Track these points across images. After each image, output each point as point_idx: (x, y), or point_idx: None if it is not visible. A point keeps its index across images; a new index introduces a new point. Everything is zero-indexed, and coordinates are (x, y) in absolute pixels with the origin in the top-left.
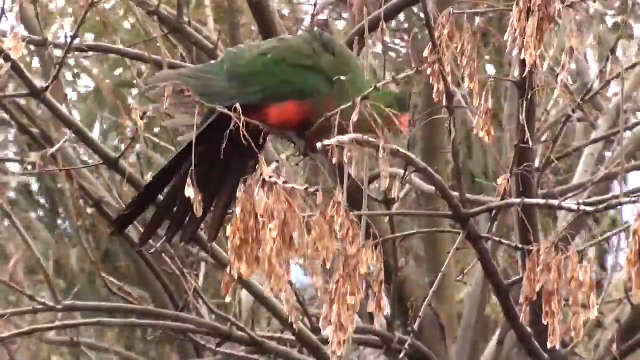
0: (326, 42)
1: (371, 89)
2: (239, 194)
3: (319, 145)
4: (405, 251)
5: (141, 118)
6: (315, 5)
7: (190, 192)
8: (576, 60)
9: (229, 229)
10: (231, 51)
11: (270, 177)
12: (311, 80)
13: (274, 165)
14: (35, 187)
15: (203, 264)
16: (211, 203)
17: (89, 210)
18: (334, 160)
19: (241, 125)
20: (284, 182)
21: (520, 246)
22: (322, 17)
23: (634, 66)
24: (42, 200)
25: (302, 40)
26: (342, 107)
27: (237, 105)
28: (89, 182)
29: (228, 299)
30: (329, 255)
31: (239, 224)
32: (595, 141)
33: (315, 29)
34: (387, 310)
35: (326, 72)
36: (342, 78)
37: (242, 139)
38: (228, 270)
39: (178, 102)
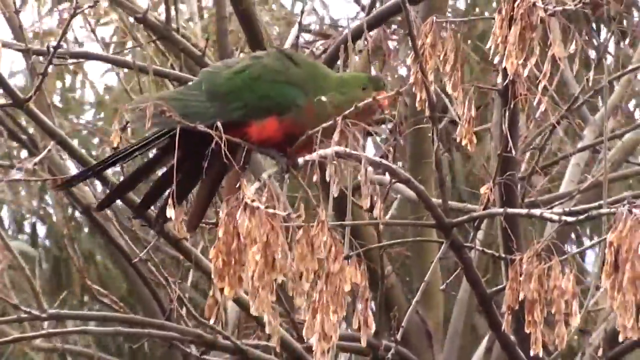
0: (290, 56)
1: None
2: (221, 214)
3: (300, 160)
4: (391, 259)
5: (123, 129)
6: (302, 13)
7: (171, 212)
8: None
9: (211, 251)
10: (207, 71)
11: (253, 201)
12: (288, 93)
13: (255, 184)
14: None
15: (191, 272)
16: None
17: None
18: (315, 177)
19: (222, 143)
20: (266, 207)
21: (502, 255)
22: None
23: (618, 77)
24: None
25: (273, 58)
26: (323, 125)
27: (218, 123)
28: (78, 189)
29: (212, 321)
30: (310, 275)
31: (222, 246)
32: (580, 150)
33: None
34: (373, 328)
35: (298, 83)
36: (322, 99)
37: (224, 156)
38: (211, 292)
39: (159, 121)
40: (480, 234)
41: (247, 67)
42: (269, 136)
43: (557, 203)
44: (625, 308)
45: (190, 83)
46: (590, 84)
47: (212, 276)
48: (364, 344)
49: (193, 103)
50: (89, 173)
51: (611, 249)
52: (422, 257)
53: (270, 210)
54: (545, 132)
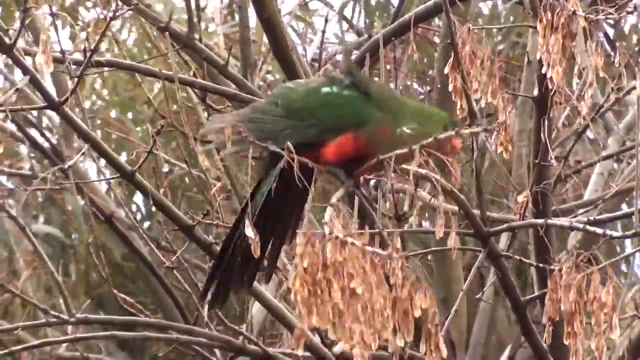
0: (367, 79)
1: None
2: (300, 245)
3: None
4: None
5: (157, 133)
6: (326, 20)
7: (249, 232)
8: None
9: (291, 281)
10: (285, 86)
11: (346, 235)
12: (364, 109)
13: (329, 210)
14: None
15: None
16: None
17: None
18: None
19: (295, 165)
20: (362, 243)
21: (541, 265)
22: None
23: None
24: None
25: (357, 76)
26: (398, 151)
27: (289, 144)
28: (100, 197)
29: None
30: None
31: (307, 277)
32: (606, 158)
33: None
34: (445, 354)
35: (374, 102)
36: (406, 129)
37: (296, 179)
38: (298, 324)
39: (239, 147)
40: (502, 242)
41: (323, 84)
42: (344, 152)
43: (582, 212)
44: None
45: (264, 99)
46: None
47: (298, 307)
48: None
49: (267, 125)
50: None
51: None
52: (446, 266)
53: (370, 249)
54: (571, 141)
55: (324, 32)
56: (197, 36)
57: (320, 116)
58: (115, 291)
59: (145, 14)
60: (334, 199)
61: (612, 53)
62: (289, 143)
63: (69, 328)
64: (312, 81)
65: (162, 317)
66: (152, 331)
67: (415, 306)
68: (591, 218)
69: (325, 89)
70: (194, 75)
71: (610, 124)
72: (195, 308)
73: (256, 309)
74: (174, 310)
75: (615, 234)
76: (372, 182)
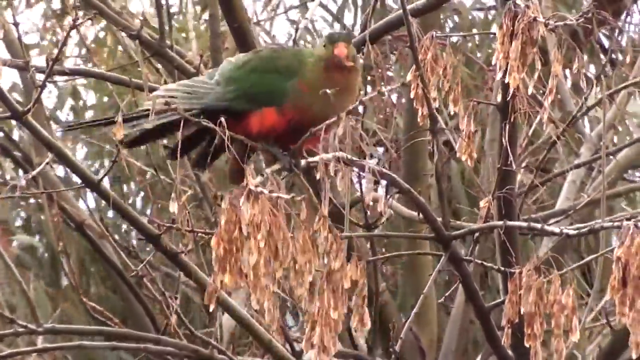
0: (282, 46)
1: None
2: (222, 204)
3: (302, 162)
4: (385, 275)
5: (121, 142)
6: (296, 29)
7: (174, 207)
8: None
9: (212, 240)
10: (228, 59)
11: (256, 186)
12: (276, 81)
13: (259, 178)
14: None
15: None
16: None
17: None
18: (317, 177)
19: (226, 138)
20: (270, 192)
21: (502, 269)
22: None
23: (615, 92)
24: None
25: (266, 50)
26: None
27: (222, 119)
28: (71, 205)
29: (212, 308)
30: (312, 268)
31: (223, 234)
32: (577, 166)
33: None
34: (369, 326)
35: (286, 67)
36: (328, 91)
37: (228, 151)
38: (211, 279)
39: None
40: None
41: (251, 58)
42: (270, 125)
43: (553, 221)
44: None
45: (208, 71)
46: (588, 100)
47: (213, 264)
48: (360, 340)
49: (199, 87)
50: None
51: (619, 264)
52: (415, 272)
53: (274, 194)
54: (544, 148)
55: (295, 40)
56: (168, 43)
57: (240, 87)
58: (84, 299)
59: (116, 21)
60: (267, 170)
61: (608, 65)
62: (222, 118)
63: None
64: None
65: (132, 326)
66: (121, 341)
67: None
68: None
69: (252, 63)
70: (165, 83)
71: (584, 131)
72: (166, 316)
73: (226, 318)
74: (144, 318)
75: (571, 232)
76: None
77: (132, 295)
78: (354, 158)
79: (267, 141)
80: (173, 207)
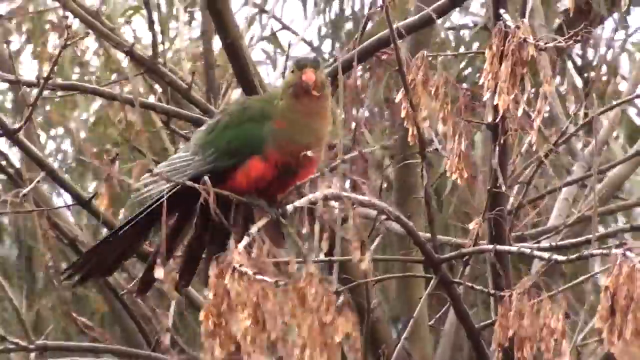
0: (250, 97)
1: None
2: (211, 276)
3: (289, 207)
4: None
5: (112, 160)
6: (289, 45)
7: (159, 273)
8: (549, 104)
9: (201, 313)
10: (197, 130)
11: (240, 265)
12: (251, 130)
13: (245, 241)
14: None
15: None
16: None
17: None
18: (306, 225)
19: (210, 197)
20: (254, 273)
21: (492, 292)
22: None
23: (607, 110)
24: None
25: (235, 103)
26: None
27: (206, 178)
28: (63, 221)
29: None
30: (303, 330)
31: (212, 308)
32: (568, 184)
33: None
34: None
35: (258, 112)
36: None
37: (213, 213)
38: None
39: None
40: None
41: (219, 119)
42: (258, 175)
43: (544, 237)
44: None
45: (181, 147)
46: (579, 118)
47: (203, 338)
48: None
49: (178, 164)
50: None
51: (607, 293)
52: (407, 291)
53: (259, 277)
54: (534, 166)
55: (287, 56)
56: (161, 60)
57: (218, 147)
58: (74, 315)
59: (109, 37)
60: (253, 229)
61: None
62: (205, 177)
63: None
64: (215, 117)
65: (125, 342)
66: (112, 358)
67: (337, 330)
68: (553, 244)
69: (223, 121)
70: (159, 99)
71: (576, 150)
72: (156, 332)
73: None
74: (137, 335)
75: (560, 258)
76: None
77: (124, 312)
78: (341, 193)
79: (253, 195)
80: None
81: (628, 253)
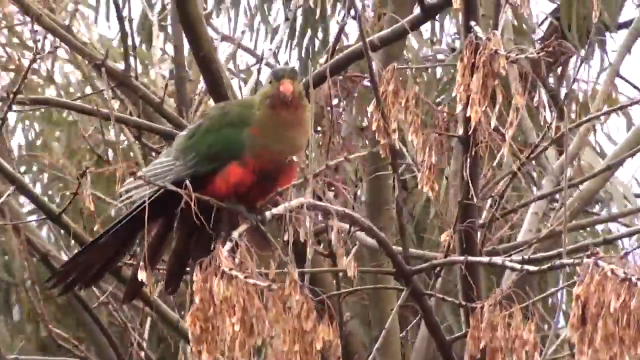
0: (229, 101)
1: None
2: (195, 280)
3: (267, 214)
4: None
5: (82, 175)
6: (261, 59)
7: (142, 275)
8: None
9: (188, 317)
10: (179, 135)
11: (231, 269)
12: (229, 135)
13: (228, 245)
14: None
15: (148, 319)
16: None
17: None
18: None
19: (192, 201)
20: (245, 277)
21: (463, 303)
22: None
23: (578, 125)
24: None
25: (215, 108)
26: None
27: (187, 182)
28: (35, 236)
29: None
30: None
31: (198, 313)
32: (540, 198)
33: None
34: None
35: (236, 118)
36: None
37: (195, 217)
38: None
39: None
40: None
41: (200, 124)
42: (237, 181)
43: (515, 251)
44: None
45: (163, 152)
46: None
47: (190, 342)
48: None
49: (159, 169)
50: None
51: (578, 302)
52: (379, 304)
53: (251, 281)
54: (506, 180)
55: (259, 70)
56: (133, 73)
57: (199, 152)
58: (50, 327)
59: (81, 51)
60: (235, 234)
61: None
62: (187, 181)
63: None
64: (196, 122)
65: (96, 356)
66: None
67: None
68: (524, 257)
69: (204, 125)
70: (130, 113)
71: (545, 164)
72: (130, 344)
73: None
74: (108, 348)
75: (532, 268)
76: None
77: (95, 326)
78: (317, 202)
79: (232, 200)
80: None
81: (599, 262)
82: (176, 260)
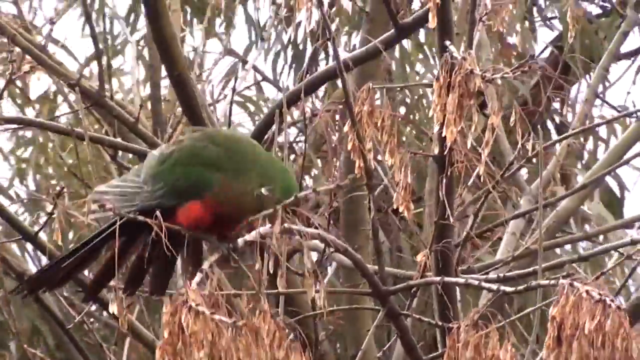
0: (212, 135)
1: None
2: (164, 315)
3: (240, 241)
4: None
5: (58, 195)
6: (235, 79)
7: (113, 308)
8: (496, 137)
9: (157, 351)
10: (150, 154)
11: (197, 304)
12: (198, 176)
13: (198, 277)
14: None
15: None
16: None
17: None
18: (257, 264)
19: (161, 232)
20: (212, 313)
21: (439, 323)
22: None
23: (554, 143)
24: None
25: (195, 139)
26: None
27: (158, 213)
28: (11, 255)
29: None
30: None
31: (167, 347)
32: (515, 217)
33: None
34: None
35: (213, 163)
36: (263, 191)
37: (164, 246)
38: None
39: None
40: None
41: (173, 151)
42: (196, 219)
43: (491, 269)
44: None
45: (135, 167)
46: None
47: None
48: None
49: (129, 189)
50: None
51: (553, 323)
52: (355, 324)
53: (217, 317)
54: (481, 199)
55: (234, 89)
56: (108, 93)
57: (167, 182)
58: (25, 346)
59: (56, 71)
60: (205, 265)
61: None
62: (157, 212)
63: None
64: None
65: None
66: None
67: None
68: (500, 275)
69: (175, 156)
70: (106, 133)
71: (523, 184)
72: None
73: None
74: None
75: (508, 289)
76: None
77: (72, 347)
78: (292, 226)
79: (198, 231)
80: None
81: (575, 283)
82: (137, 268)
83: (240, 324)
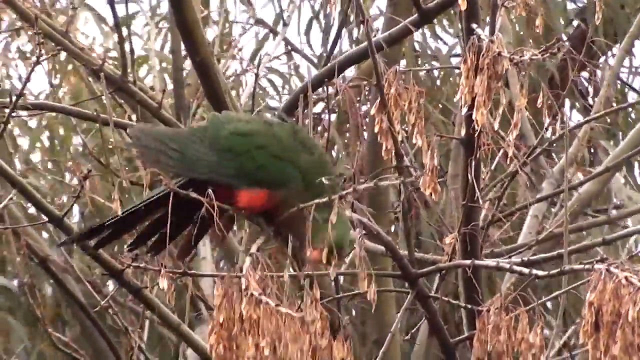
0: (304, 140)
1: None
2: (217, 298)
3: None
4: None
5: (85, 178)
6: (258, 65)
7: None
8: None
9: (211, 337)
10: (216, 117)
11: (260, 294)
12: (288, 173)
13: (248, 261)
14: None
15: (147, 322)
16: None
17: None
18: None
19: (213, 209)
20: (276, 305)
21: (469, 306)
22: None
23: (578, 126)
24: None
25: (286, 133)
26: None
27: (210, 190)
28: (34, 240)
29: None
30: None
31: (222, 332)
32: (539, 200)
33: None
34: None
35: (303, 169)
36: (324, 180)
37: (211, 220)
38: None
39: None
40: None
41: (256, 132)
42: (258, 205)
43: (514, 253)
44: None
45: (197, 125)
46: (551, 134)
47: None
48: None
49: (191, 150)
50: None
51: (591, 309)
52: (379, 308)
53: (283, 309)
54: (504, 182)
55: (257, 74)
56: (131, 78)
57: (242, 163)
58: (50, 330)
59: (79, 56)
60: (253, 248)
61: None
62: (210, 190)
63: None
64: (247, 119)
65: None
66: None
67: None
68: (524, 259)
69: (260, 140)
70: (129, 118)
71: (545, 166)
72: (131, 348)
73: (191, 353)
74: (108, 353)
75: (540, 273)
76: None
77: (95, 330)
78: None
79: (252, 215)
80: None
81: (612, 268)
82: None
83: (298, 316)
